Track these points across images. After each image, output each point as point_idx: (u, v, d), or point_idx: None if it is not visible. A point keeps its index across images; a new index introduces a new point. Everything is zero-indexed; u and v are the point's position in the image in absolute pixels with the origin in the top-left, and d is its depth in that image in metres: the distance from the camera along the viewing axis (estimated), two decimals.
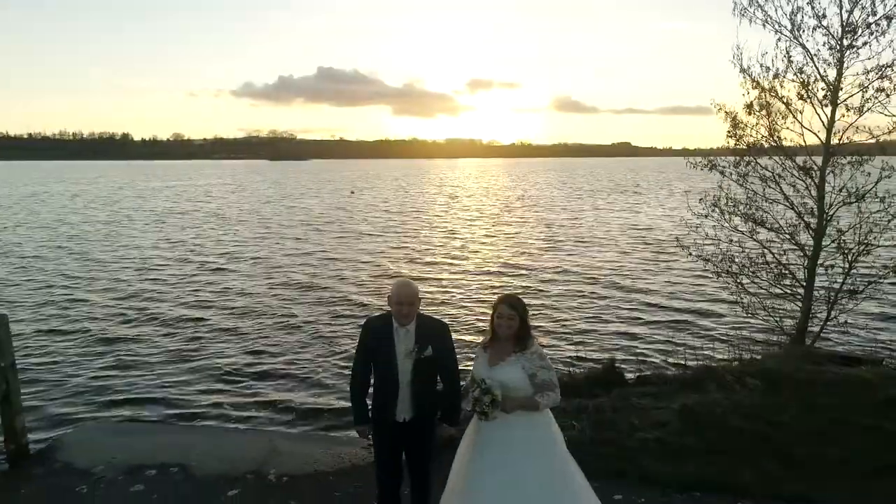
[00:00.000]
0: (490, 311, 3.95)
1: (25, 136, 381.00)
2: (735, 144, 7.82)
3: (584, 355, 9.56)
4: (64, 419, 7.78)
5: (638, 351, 10.30)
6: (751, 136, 7.72)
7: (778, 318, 8.47)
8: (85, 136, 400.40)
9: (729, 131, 7.73)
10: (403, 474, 4.11)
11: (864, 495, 5.20)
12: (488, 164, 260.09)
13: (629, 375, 7.70)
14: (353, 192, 63.45)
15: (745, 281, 8.44)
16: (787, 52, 7.28)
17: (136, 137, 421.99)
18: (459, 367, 4.08)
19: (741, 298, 8.57)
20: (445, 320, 4.40)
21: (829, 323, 8.10)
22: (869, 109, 7.39)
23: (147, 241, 26.74)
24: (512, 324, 3.78)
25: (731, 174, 8.02)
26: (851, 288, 7.87)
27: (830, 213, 7.71)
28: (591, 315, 13.55)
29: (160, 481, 5.20)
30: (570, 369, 8.06)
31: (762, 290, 8.46)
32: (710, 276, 9.09)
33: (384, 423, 3.92)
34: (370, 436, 4.05)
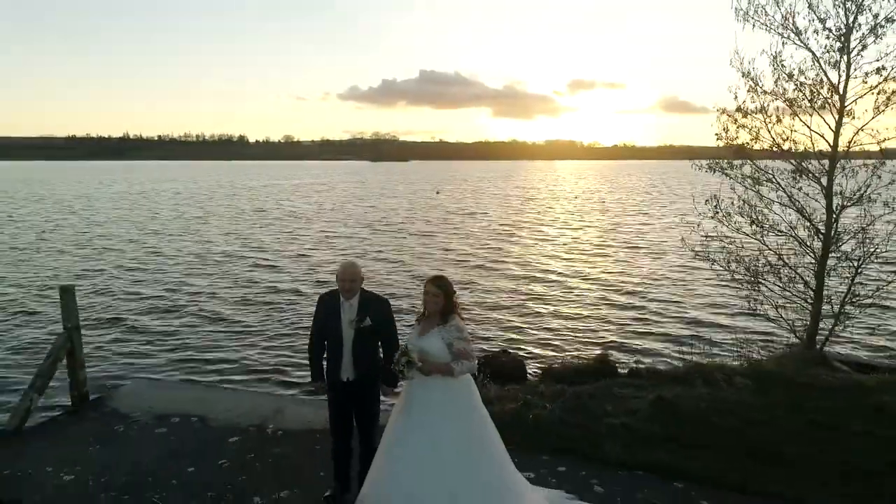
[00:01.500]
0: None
1: (155, 139, 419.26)
2: (728, 145, 7.86)
3: (588, 349, 9.89)
4: (118, 375, 9.43)
5: (643, 349, 10.54)
6: (753, 138, 7.74)
7: (790, 323, 8.41)
8: (206, 137, 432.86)
9: (717, 134, 7.82)
10: (353, 432, 4.83)
11: (816, 494, 5.25)
12: (587, 166, 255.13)
13: (623, 370, 7.96)
14: (438, 193, 64.67)
15: (756, 284, 8.43)
16: (775, 57, 7.29)
17: (251, 139, 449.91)
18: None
19: (752, 302, 8.56)
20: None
21: (838, 328, 7.97)
22: (882, 112, 7.28)
23: (216, 234, 29.67)
24: (437, 300, 4.38)
25: (736, 176, 8.08)
26: (861, 293, 7.72)
27: (836, 216, 7.62)
28: (604, 314, 14.09)
29: (180, 427, 6.28)
30: (562, 359, 8.43)
31: (774, 294, 8.42)
32: (736, 282, 9.08)
33: (333, 382, 4.68)
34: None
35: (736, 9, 7.53)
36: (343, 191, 70.68)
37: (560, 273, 19.85)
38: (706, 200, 8.32)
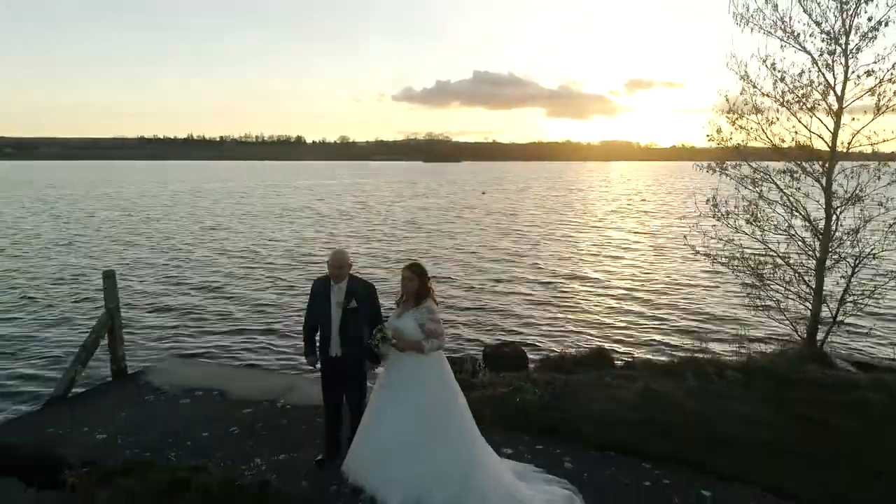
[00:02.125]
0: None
1: (217, 139, 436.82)
2: (721, 146, 8.02)
3: (591, 342, 10.20)
4: (154, 351, 10.54)
5: (644, 345, 10.83)
6: (752, 139, 7.88)
7: (791, 321, 8.49)
8: (265, 138, 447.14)
9: (709, 135, 7.98)
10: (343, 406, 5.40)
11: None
12: (643, 167, 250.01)
13: (620, 362, 8.24)
14: (483, 193, 65.11)
15: (757, 282, 8.55)
16: (765, 60, 7.42)
17: (308, 140, 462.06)
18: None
19: (754, 301, 8.67)
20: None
21: (835, 328, 8.02)
22: (882, 114, 7.33)
23: (249, 232, 31.39)
24: (412, 284, 4.87)
25: (737, 177, 8.22)
26: (858, 292, 7.77)
27: (836, 216, 7.69)
28: (611, 312, 14.53)
29: (202, 399, 7.02)
30: (561, 350, 8.77)
31: (777, 293, 8.52)
32: (738, 281, 9.19)
33: (323, 358, 5.26)
34: (317, 367, 5.40)
35: (734, 13, 7.71)
36: (389, 191, 72.01)
37: (573, 273, 20.35)
38: (707, 200, 8.50)
